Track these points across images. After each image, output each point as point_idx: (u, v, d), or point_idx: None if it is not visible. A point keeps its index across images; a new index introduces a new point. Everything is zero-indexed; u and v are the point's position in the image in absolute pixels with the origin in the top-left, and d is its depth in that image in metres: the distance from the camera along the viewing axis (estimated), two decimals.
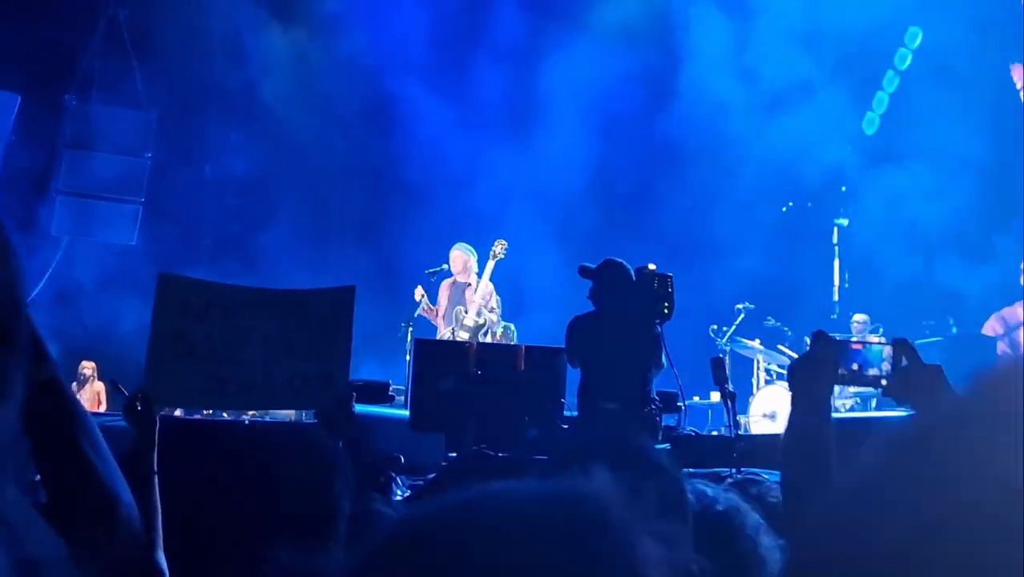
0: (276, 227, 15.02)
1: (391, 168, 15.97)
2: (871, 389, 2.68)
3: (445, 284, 11.59)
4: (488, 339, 10.92)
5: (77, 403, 1.55)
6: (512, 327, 11.52)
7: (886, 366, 2.44)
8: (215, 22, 15.35)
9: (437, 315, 11.33)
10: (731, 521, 2.27)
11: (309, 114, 16.01)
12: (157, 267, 14.57)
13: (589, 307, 7.35)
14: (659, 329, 7.19)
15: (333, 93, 15.81)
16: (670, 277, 7.10)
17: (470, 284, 11.31)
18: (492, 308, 11.18)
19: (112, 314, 12.87)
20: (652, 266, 7.29)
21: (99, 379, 13.39)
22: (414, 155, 15.63)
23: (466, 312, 11.03)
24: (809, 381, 2.34)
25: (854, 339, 2.65)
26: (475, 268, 11.35)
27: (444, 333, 11.11)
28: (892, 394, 2.43)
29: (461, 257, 11.43)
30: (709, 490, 2.39)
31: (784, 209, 14.99)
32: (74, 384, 13.30)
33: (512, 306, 11.86)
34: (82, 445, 1.52)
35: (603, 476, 0.88)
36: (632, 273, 7.17)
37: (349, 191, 16.32)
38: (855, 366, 2.47)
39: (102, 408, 13.13)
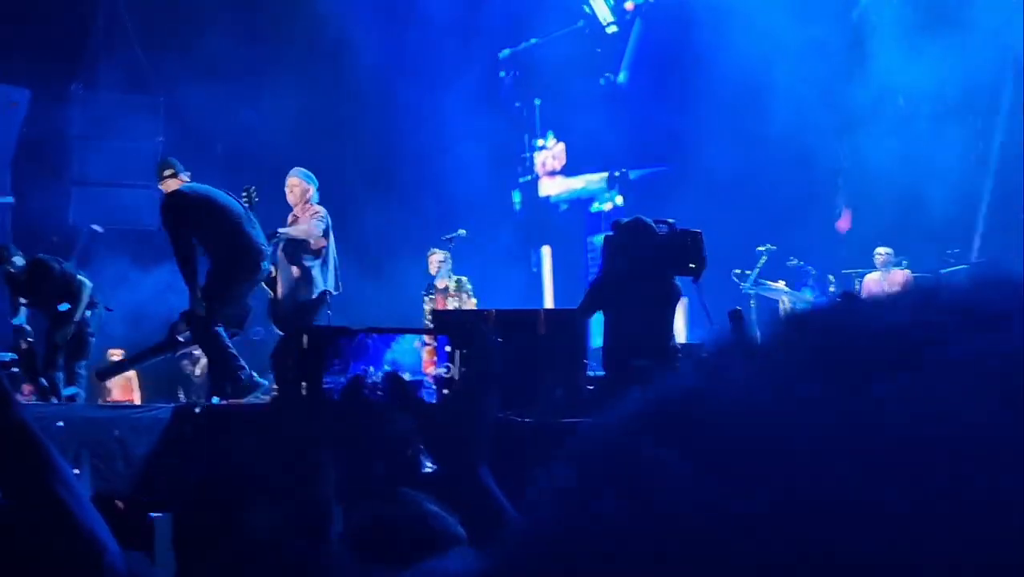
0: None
1: (399, 136, 15.96)
2: None
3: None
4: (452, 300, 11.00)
5: (49, 448, 1.53)
6: (465, 279, 11.48)
7: None
8: None
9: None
10: None
11: (319, 85, 15.98)
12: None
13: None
14: (684, 285, 7.16)
15: (344, 63, 15.76)
16: (700, 234, 7.04)
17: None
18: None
19: (136, 300, 12.92)
20: (670, 220, 7.23)
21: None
22: (423, 120, 15.63)
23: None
24: None
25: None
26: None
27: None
28: None
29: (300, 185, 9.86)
30: None
31: None
32: None
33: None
34: (58, 492, 1.49)
35: None
36: (654, 228, 7.08)
37: (361, 163, 16.31)
38: None
39: (135, 395, 13.23)
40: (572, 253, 16.75)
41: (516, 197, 17.81)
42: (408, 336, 6.51)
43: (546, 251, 17.23)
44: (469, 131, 15.33)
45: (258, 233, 8.84)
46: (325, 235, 9.35)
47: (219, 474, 1.98)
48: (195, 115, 15.15)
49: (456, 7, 15.50)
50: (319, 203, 9.68)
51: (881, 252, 12.58)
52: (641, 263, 6.99)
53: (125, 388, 13.39)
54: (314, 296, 9.20)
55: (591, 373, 7.39)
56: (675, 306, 7.14)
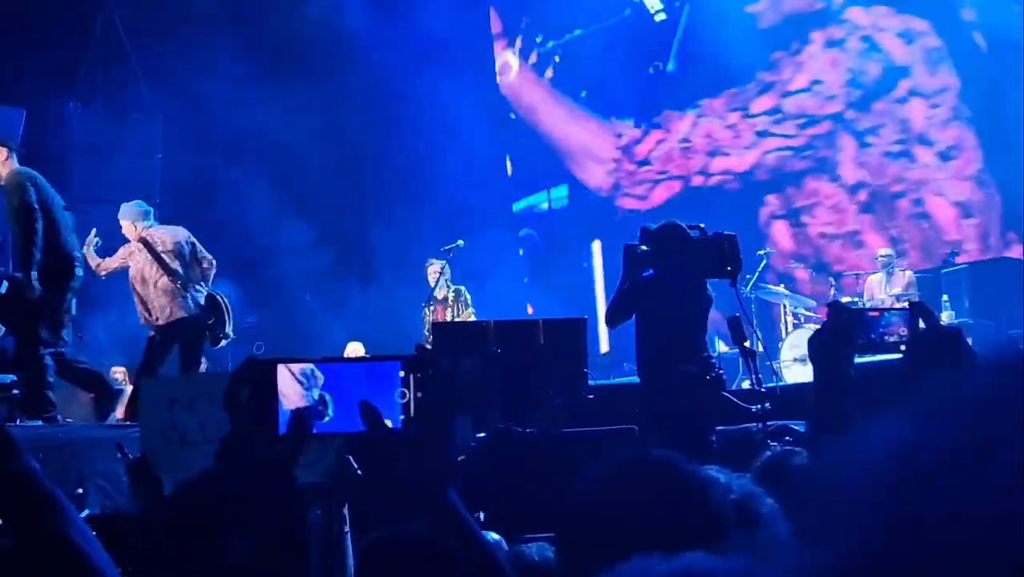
0: (292, 220, 15.03)
1: (401, 150, 15.99)
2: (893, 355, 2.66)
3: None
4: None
5: (56, 492, 1.51)
6: (463, 289, 11.57)
7: (904, 330, 2.42)
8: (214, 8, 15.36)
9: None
10: (745, 509, 2.25)
11: (318, 98, 15.99)
12: None
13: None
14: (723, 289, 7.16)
15: (343, 76, 15.77)
16: (735, 236, 7.02)
17: None
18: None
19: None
20: (701, 225, 7.21)
21: (131, 383, 13.46)
22: (424, 135, 15.65)
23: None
24: (829, 353, 2.33)
25: (871, 307, 2.65)
26: None
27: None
28: (913, 358, 2.41)
29: None
30: (722, 477, 2.38)
31: None
32: None
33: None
34: (71, 536, 1.47)
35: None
36: (688, 233, 7.04)
37: (362, 172, 16.32)
38: (874, 334, 2.46)
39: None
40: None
41: (564, 191, 17.65)
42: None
43: (596, 246, 16.95)
44: (484, 134, 15.28)
45: (74, 241, 8.89)
46: (169, 257, 9.32)
47: (192, 498, 1.97)
48: (193, 131, 15.17)
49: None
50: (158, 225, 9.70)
51: (882, 253, 12.58)
52: (679, 268, 6.94)
53: (129, 406, 13.37)
54: (186, 316, 9.30)
55: (592, 382, 7.39)
56: (709, 310, 7.14)
